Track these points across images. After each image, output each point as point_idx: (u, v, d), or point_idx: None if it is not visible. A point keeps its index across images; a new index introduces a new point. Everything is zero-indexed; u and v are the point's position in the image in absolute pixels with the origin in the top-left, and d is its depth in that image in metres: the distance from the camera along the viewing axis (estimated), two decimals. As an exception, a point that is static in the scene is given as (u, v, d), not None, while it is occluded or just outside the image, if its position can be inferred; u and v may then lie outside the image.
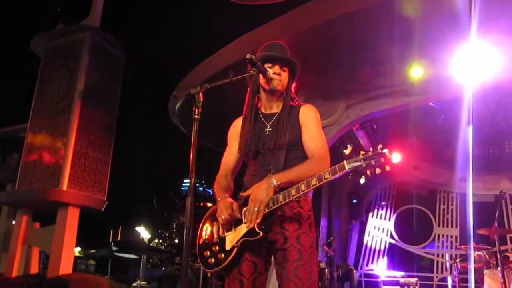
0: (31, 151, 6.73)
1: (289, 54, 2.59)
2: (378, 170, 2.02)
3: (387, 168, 2.02)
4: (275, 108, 2.57)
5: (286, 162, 2.37)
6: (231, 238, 2.32)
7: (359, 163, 2.03)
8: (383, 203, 10.58)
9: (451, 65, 6.09)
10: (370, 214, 10.84)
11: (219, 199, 2.44)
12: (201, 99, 2.07)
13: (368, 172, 2.04)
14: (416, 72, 6.52)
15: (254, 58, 2.28)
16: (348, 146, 8.57)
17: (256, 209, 2.17)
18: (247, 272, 2.29)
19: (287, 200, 2.20)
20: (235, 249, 2.27)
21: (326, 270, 6.83)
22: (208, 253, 2.40)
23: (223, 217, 2.31)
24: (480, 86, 6.21)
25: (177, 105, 7.65)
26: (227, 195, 2.44)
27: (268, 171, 2.34)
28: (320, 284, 6.77)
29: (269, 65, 2.50)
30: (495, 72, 5.95)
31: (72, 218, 6.44)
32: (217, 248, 2.37)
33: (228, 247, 2.31)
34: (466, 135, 7.29)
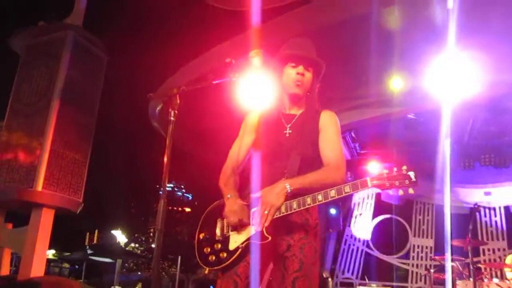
0: (6, 150, 6.58)
1: (315, 52, 2.49)
2: (401, 192, 1.99)
3: (410, 191, 1.97)
4: (296, 109, 2.49)
5: (301, 168, 2.29)
6: (236, 239, 2.26)
7: (382, 182, 1.99)
8: (361, 212, 10.67)
9: (431, 78, 6.19)
10: (348, 223, 10.91)
11: (228, 196, 2.34)
12: (178, 101, 2.03)
13: (390, 191, 2.01)
14: (396, 83, 6.62)
15: (233, 62, 2.25)
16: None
17: (266, 212, 2.11)
18: (243, 275, 2.22)
19: (301, 209, 2.14)
20: (239, 251, 2.21)
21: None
22: (209, 250, 2.33)
23: (232, 220, 2.24)
24: (459, 100, 6.33)
25: (157, 108, 7.60)
26: (236, 194, 2.35)
27: (281, 174, 2.27)
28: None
29: (292, 64, 2.42)
30: (473, 87, 6.08)
31: (46, 219, 6.30)
32: (220, 246, 2.30)
33: (232, 247, 2.25)
34: (444, 148, 7.41)
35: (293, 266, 2.17)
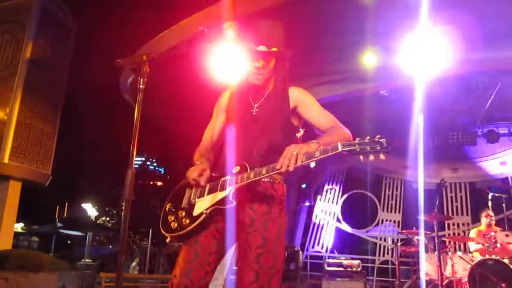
0: (-30, 120, 6.37)
1: (281, 32, 2.40)
2: (371, 157, 1.95)
3: (382, 157, 1.94)
4: (264, 88, 2.43)
5: (271, 145, 2.27)
6: (201, 205, 2.23)
7: (352, 147, 1.95)
8: (331, 187, 10.83)
9: (403, 54, 6.24)
10: (318, 197, 11.08)
11: (198, 163, 2.33)
12: (147, 69, 1.96)
13: (361, 157, 1.96)
14: (369, 59, 6.64)
15: (206, 31, 2.19)
16: (301, 129, 8.65)
17: (295, 152, 2.00)
18: (205, 245, 2.20)
19: (270, 174, 2.08)
20: (203, 216, 2.17)
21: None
22: (173, 218, 2.30)
23: (190, 177, 2.24)
24: (430, 76, 6.42)
25: (129, 80, 7.45)
26: (206, 162, 2.34)
27: (252, 151, 2.26)
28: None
29: (252, 57, 2.34)
30: (444, 63, 6.16)
31: (13, 192, 6.19)
32: (184, 213, 2.27)
33: (196, 213, 2.22)
34: (417, 124, 7.54)
35: (256, 242, 2.15)
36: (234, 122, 2.38)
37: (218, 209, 2.16)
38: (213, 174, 2.31)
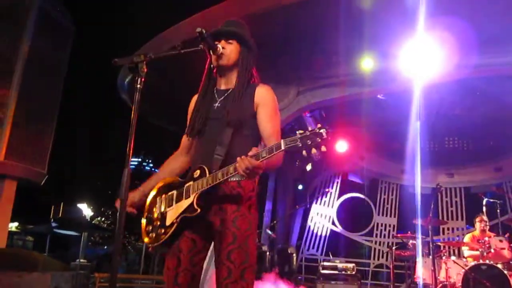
0: (-34, 118, 6.35)
1: (245, 29, 2.51)
2: (313, 151, 1.92)
3: (323, 148, 1.91)
4: (230, 84, 2.47)
5: (233, 139, 2.30)
6: (171, 214, 2.29)
7: (295, 143, 1.94)
8: (327, 190, 10.83)
9: (401, 59, 6.27)
10: (314, 200, 11.08)
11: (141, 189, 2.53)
12: (145, 69, 1.98)
13: (304, 152, 1.92)
14: (367, 64, 6.67)
15: (204, 32, 2.21)
16: (297, 132, 8.67)
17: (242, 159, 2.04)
18: (185, 249, 2.26)
19: (225, 178, 2.12)
20: (175, 225, 2.24)
21: (268, 253, 6.96)
22: (150, 228, 2.38)
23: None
24: (426, 82, 6.45)
25: (127, 79, 7.44)
26: (145, 187, 2.52)
27: (213, 147, 2.29)
28: (262, 265, 6.91)
29: (216, 42, 2.41)
30: (439, 68, 6.20)
31: (8, 190, 6.18)
32: (158, 223, 2.34)
33: (168, 222, 2.28)
34: (414, 130, 7.57)
35: (227, 239, 2.20)
36: (198, 119, 2.42)
37: (186, 217, 2.22)
38: (181, 180, 2.37)
